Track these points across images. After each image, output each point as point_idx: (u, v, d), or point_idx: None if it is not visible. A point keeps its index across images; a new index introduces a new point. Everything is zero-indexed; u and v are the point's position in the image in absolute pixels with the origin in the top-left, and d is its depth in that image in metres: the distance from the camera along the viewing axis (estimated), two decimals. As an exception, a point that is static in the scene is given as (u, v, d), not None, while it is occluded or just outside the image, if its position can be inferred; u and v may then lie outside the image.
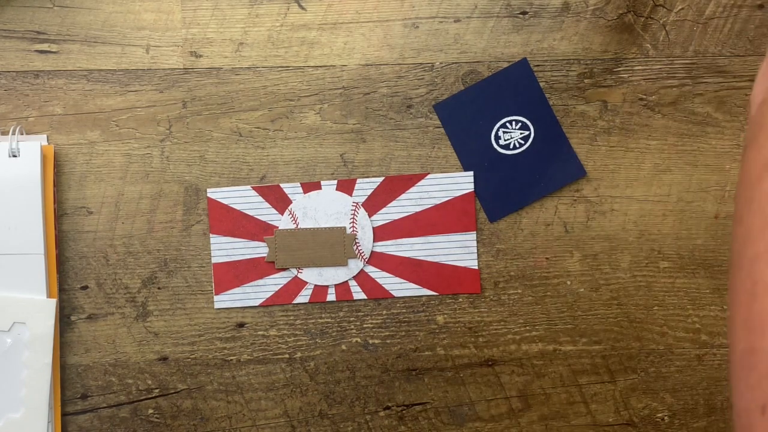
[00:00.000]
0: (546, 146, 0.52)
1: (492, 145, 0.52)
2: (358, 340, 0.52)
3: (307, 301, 0.52)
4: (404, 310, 0.52)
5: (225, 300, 0.51)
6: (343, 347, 0.52)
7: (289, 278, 0.52)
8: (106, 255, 0.51)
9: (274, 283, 0.51)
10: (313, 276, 0.51)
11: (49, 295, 0.49)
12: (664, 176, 0.53)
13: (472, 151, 0.52)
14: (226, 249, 0.51)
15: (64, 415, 0.51)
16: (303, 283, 0.52)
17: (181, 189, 0.51)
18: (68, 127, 0.51)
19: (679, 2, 0.52)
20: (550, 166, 0.52)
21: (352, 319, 0.52)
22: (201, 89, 0.51)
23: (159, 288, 0.52)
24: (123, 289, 0.51)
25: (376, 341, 0.52)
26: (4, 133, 0.50)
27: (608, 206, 0.52)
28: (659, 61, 0.52)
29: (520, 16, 0.52)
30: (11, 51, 0.50)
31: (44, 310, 0.49)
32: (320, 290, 0.52)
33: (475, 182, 0.52)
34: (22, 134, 0.50)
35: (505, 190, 0.52)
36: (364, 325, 0.52)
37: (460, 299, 0.52)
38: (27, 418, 0.49)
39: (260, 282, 0.51)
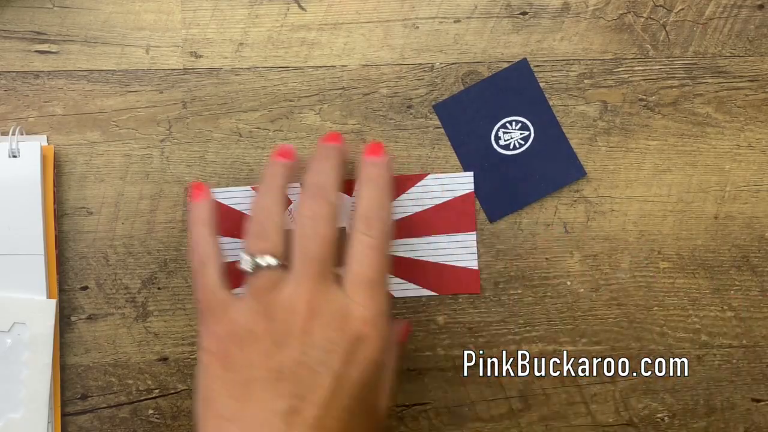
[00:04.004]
0: (546, 147, 0.52)
1: (492, 145, 0.52)
2: (358, 340, 0.52)
3: None
4: (404, 311, 0.52)
5: None
6: (343, 347, 0.52)
7: None
8: (106, 255, 0.51)
9: None
10: None
11: (49, 296, 0.49)
12: (664, 176, 0.53)
13: (472, 151, 0.52)
14: (226, 250, 0.51)
15: (64, 415, 0.51)
16: None
17: (181, 189, 0.51)
18: (68, 128, 0.51)
19: (679, 3, 0.52)
20: (550, 167, 0.52)
21: (352, 319, 0.52)
22: (201, 90, 0.51)
23: (159, 288, 0.52)
24: (123, 290, 0.51)
25: (376, 341, 0.52)
26: (4, 133, 0.50)
27: (608, 206, 0.53)
28: (659, 62, 0.52)
29: (520, 16, 0.52)
30: (11, 51, 0.50)
31: (44, 311, 0.49)
32: None
33: (475, 183, 0.52)
34: (22, 134, 0.50)
35: (505, 190, 0.52)
36: (364, 326, 0.52)
37: (460, 299, 0.52)
38: (27, 419, 0.49)
39: None
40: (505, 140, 0.52)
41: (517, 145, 0.52)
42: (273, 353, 0.39)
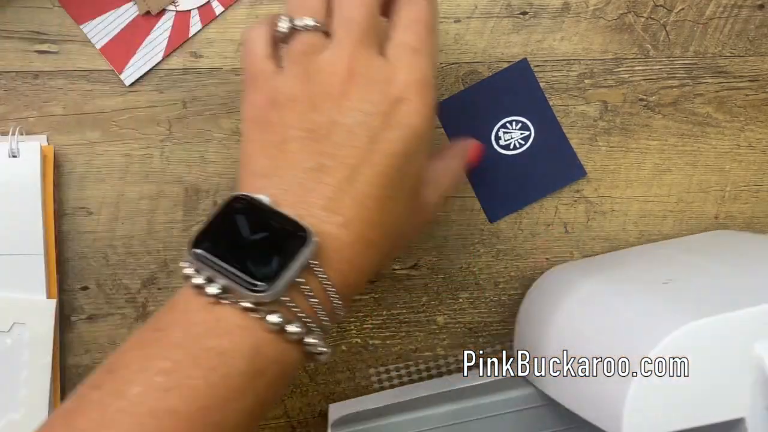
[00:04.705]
0: (546, 146, 0.52)
1: (492, 145, 0.52)
2: (359, 340, 0.52)
3: (200, 27, 0.50)
4: (404, 311, 0.52)
5: (132, 73, 0.50)
6: (343, 347, 0.52)
7: (173, 17, 0.50)
8: (106, 255, 0.51)
9: (163, 30, 0.50)
10: (191, 3, 0.50)
11: (49, 296, 0.49)
12: (664, 176, 0.53)
13: None
14: (101, 29, 0.50)
15: (64, 415, 0.51)
16: (187, 14, 0.50)
17: (182, 189, 0.51)
18: (68, 128, 0.51)
19: (679, 2, 0.52)
20: (551, 167, 0.52)
21: (352, 319, 0.52)
22: (201, 89, 0.51)
23: (159, 288, 0.52)
24: (123, 290, 0.51)
25: (377, 342, 0.52)
26: (4, 133, 0.50)
27: (608, 206, 0.52)
28: (659, 62, 0.52)
29: (521, 16, 0.52)
30: (11, 51, 0.50)
31: (44, 311, 0.49)
32: (206, 11, 0.51)
33: (475, 182, 0.52)
34: (21, 135, 0.50)
35: (505, 190, 0.52)
36: (364, 326, 0.52)
37: (461, 299, 0.52)
38: (27, 419, 0.49)
39: (150, 38, 0.50)
40: (505, 140, 0.52)
41: (518, 145, 0.52)
42: (309, 114, 0.38)
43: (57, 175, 0.50)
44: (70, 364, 0.51)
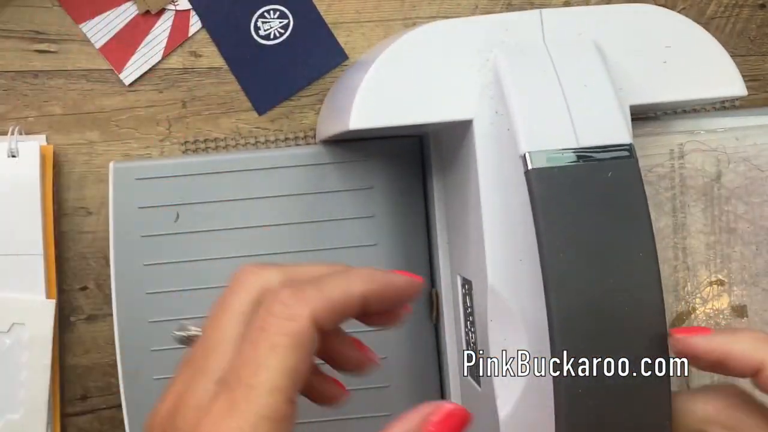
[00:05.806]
0: (306, 34, 0.51)
1: (252, 36, 0.50)
2: (359, 340, 0.52)
3: (199, 27, 0.51)
4: (404, 311, 0.52)
5: (131, 72, 0.50)
6: (344, 348, 0.52)
7: (172, 16, 0.50)
8: (105, 255, 0.51)
9: (162, 30, 0.50)
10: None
11: (48, 296, 0.49)
12: (665, 176, 0.53)
13: (232, 44, 0.50)
14: (100, 29, 0.50)
15: (63, 416, 0.51)
16: (187, 13, 0.50)
17: (181, 189, 0.51)
18: (68, 128, 0.51)
19: (680, 2, 0.52)
20: (312, 53, 0.51)
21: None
22: (201, 89, 0.51)
23: (159, 288, 0.51)
24: (123, 290, 0.51)
25: (377, 342, 0.52)
26: (3, 133, 0.50)
27: (609, 206, 0.52)
28: (660, 61, 0.52)
29: (521, 15, 0.52)
30: (11, 51, 0.50)
31: (43, 311, 0.49)
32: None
33: (239, 76, 0.51)
34: (21, 134, 0.50)
35: (270, 81, 0.51)
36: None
37: (461, 300, 0.52)
38: (26, 420, 0.48)
39: (150, 38, 0.50)
40: (264, 30, 0.50)
41: (277, 35, 0.50)
42: None
43: (57, 175, 0.50)
44: (69, 365, 0.51)
